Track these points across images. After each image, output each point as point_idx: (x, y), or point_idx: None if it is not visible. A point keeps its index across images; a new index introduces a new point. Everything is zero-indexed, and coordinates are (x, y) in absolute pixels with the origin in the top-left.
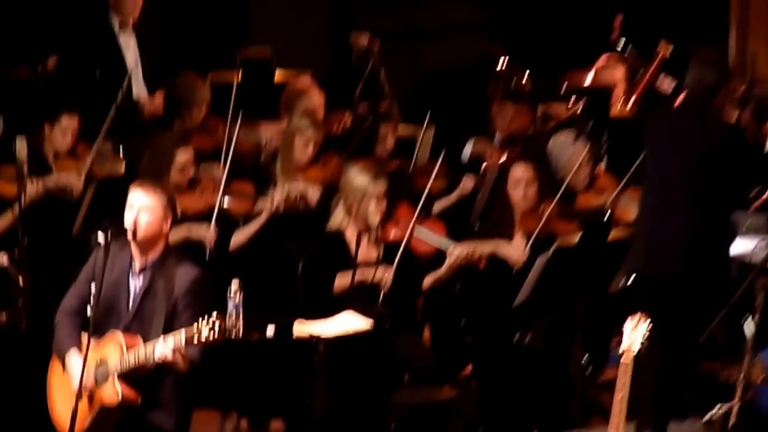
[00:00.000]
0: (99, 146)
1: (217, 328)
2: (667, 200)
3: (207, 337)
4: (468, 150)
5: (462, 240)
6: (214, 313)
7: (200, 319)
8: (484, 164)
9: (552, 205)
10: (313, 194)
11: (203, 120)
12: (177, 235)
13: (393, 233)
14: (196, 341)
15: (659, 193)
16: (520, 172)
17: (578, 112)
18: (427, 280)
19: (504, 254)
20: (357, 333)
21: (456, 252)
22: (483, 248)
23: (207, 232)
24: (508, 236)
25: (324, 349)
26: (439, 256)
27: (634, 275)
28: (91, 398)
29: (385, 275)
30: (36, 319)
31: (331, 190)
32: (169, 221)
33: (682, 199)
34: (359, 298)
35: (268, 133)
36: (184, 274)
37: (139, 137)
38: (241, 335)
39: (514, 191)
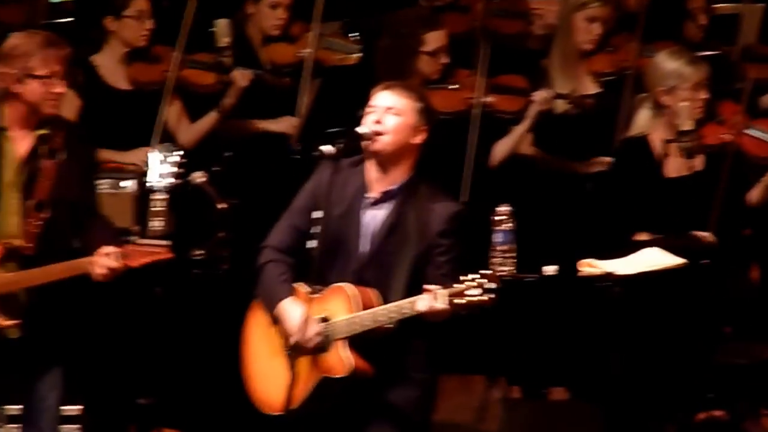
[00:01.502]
0: (321, 26)
1: (490, 290)
2: None
3: (473, 301)
4: None
5: None
6: (489, 272)
7: (465, 276)
8: None
9: None
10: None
11: None
12: None
13: (716, 136)
14: (459, 302)
15: None
16: None
17: None
18: (754, 193)
19: None
20: (666, 271)
21: None
22: None
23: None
24: None
25: (621, 293)
26: None
27: None
28: (310, 366)
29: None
30: (240, 257)
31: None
32: (422, 136)
33: None
34: (668, 225)
35: (540, 9)
36: (442, 208)
37: (376, 16)
38: (512, 275)
39: None
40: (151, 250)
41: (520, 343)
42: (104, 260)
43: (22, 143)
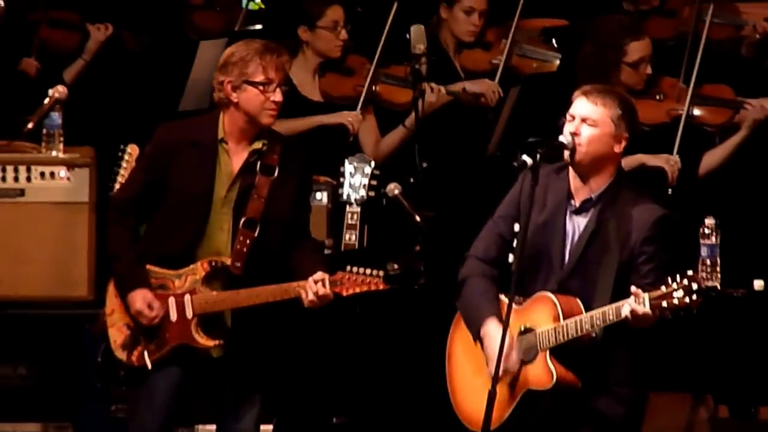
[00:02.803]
0: (518, 31)
1: (695, 291)
2: None
3: (680, 303)
4: None
5: None
6: (690, 271)
7: (670, 278)
8: None
9: None
10: None
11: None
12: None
13: None
14: (663, 305)
15: None
16: None
17: None
18: None
19: None
20: None
21: None
22: None
23: (667, 164)
24: None
25: None
26: None
27: None
28: (513, 380)
29: None
30: (438, 271)
31: None
32: (623, 143)
33: None
34: None
35: (749, 14)
36: (645, 213)
37: (578, 21)
38: (719, 290)
39: None
40: (365, 280)
41: (728, 360)
42: (315, 287)
43: (237, 157)
